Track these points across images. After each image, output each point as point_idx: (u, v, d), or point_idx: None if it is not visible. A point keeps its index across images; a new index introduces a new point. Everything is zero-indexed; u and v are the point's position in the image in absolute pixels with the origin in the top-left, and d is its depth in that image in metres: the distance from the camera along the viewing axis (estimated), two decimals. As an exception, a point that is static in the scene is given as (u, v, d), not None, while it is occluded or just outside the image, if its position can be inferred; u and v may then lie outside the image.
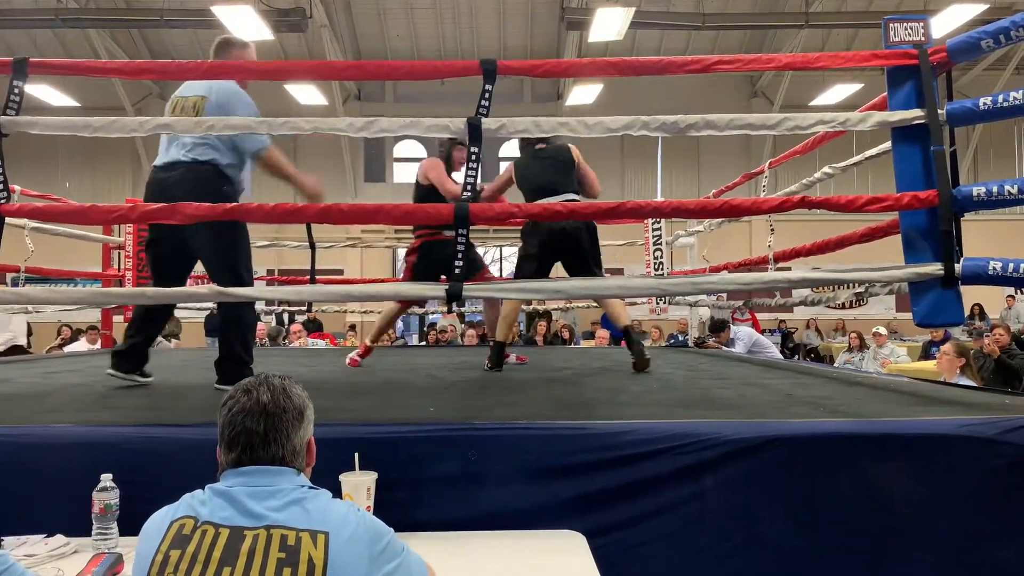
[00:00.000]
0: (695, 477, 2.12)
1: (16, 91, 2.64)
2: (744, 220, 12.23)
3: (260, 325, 9.44)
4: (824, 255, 3.93)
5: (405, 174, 15.97)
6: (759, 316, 10.98)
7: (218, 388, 3.06)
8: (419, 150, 15.69)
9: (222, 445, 1.36)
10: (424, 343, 10.40)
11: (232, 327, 3.11)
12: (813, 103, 14.04)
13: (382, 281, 8.31)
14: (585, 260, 3.99)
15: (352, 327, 12.81)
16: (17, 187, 3.75)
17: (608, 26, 10.22)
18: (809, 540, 2.10)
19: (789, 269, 4.71)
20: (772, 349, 6.88)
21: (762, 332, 8.91)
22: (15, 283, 5.44)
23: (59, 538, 1.96)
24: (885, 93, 2.85)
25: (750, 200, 2.64)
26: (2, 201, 2.57)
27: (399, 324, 14.84)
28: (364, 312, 10.90)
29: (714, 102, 13.89)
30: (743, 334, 6.63)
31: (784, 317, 14.89)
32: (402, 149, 15.86)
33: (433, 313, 13.16)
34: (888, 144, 2.95)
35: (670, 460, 2.11)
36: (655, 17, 12.42)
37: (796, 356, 13.18)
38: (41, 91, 12.65)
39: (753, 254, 6.00)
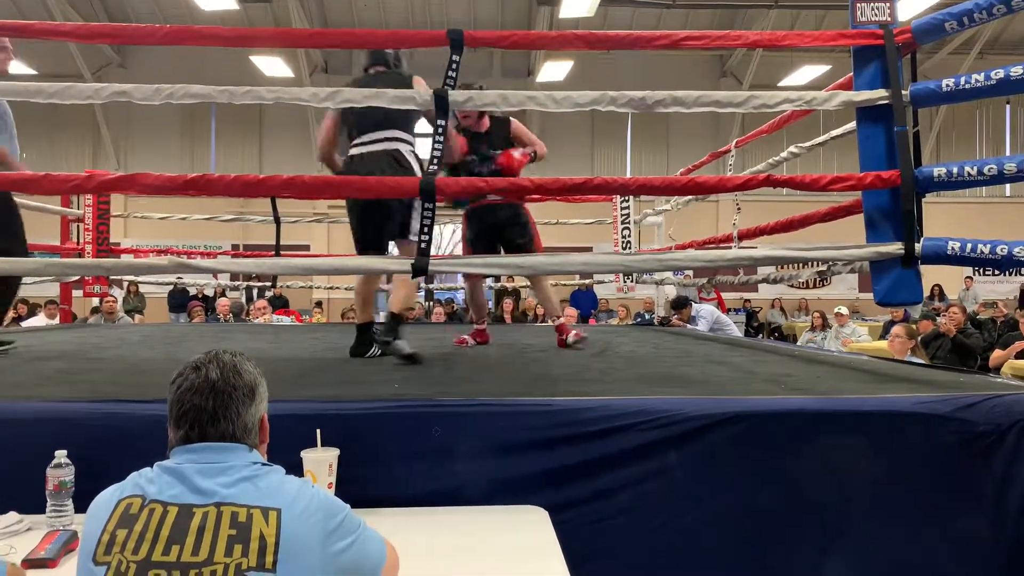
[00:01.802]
0: (657, 453, 2.13)
1: (-36, 55, 2.54)
2: (711, 200, 12.31)
3: (223, 301, 9.33)
4: (788, 234, 3.96)
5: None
6: (724, 295, 11.09)
7: None
8: (425, 126, 15.53)
9: (171, 422, 1.33)
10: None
11: None
12: (781, 84, 14.15)
13: (346, 256, 8.23)
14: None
15: (319, 304, 12.71)
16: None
17: (580, 2, 10.16)
18: (768, 515, 2.14)
19: (753, 248, 4.76)
20: (733, 328, 6.97)
21: (727, 311, 9.01)
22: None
23: (12, 515, 1.92)
24: (851, 74, 2.87)
25: (716, 178, 2.65)
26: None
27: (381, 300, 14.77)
28: (330, 288, 10.80)
29: (684, 82, 13.83)
30: (705, 312, 6.70)
31: (749, 296, 15.10)
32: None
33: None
34: (853, 124, 2.97)
35: (633, 436, 2.12)
36: (627, -6, 12.39)
37: (760, 335, 13.37)
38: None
39: (720, 233, 6.05)
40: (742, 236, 4.22)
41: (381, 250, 3.43)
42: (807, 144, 3.87)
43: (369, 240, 3.41)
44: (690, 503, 2.13)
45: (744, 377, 2.95)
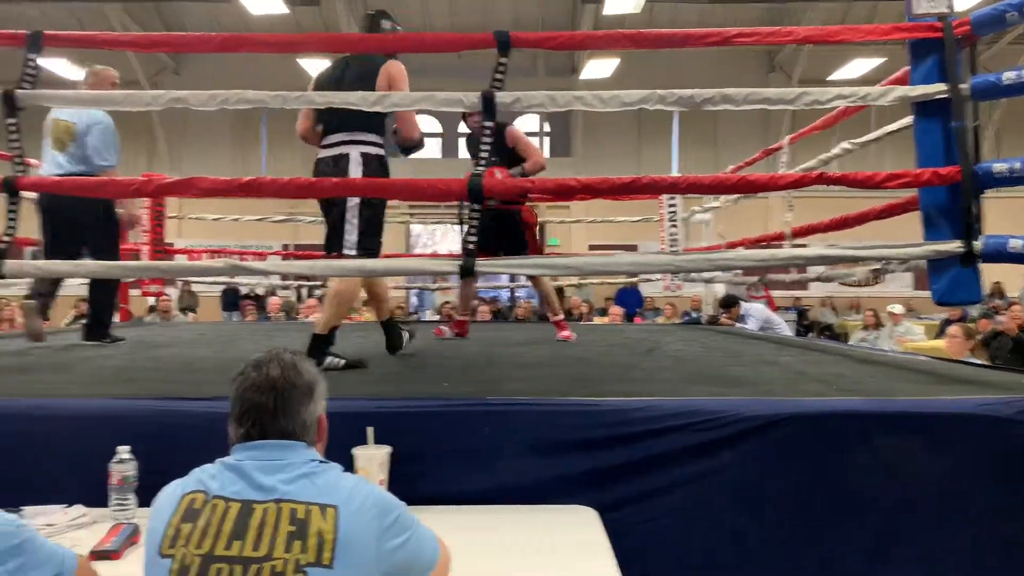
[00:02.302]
0: (707, 454, 2.11)
1: (31, 65, 2.64)
2: (761, 196, 12.12)
3: (274, 299, 9.52)
4: (841, 232, 3.89)
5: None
6: (773, 293, 10.92)
7: None
8: (436, 125, 15.64)
9: (232, 420, 1.37)
10: (438, 318, 10.43)
11: None
12: (832, 77, 13.85)
13: (396, 256, 8.32)
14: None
15: (366, 302, 12.86)
16: (34, 161, 3.76)
17: (625, -1, 10.10)
18: (819, 518, 2.11)
19: (805, 246, 4.68)
20: (784, 327, 6.84)
21: (776, 309, 8.86)
22: (34, 257, 5.48)
23: (78, 508, 1.99)
24: (907, 67, 2.80)
25: (767, 176, 2.61)
26: (19, 174, 2.59)
27: (413, 299, 14.88)
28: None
29: (732, 77, 13.69)
30: (755, 311, 6.58)
31: (799, 294, 14.81)
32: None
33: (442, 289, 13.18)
34: (908, 119, 2.90)
35: (683, 437, 2.11)
36: (673, -10, 12.25)
37: (810, 334, 13.12)
38: (58, 66, 12.67)
39: (770, 231, 5.96)
40: (795, 234, 4.15)
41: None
42: (860, 140, 3.79)
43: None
44: (740, 505, 2.11)
45: (795, 377, 2.90)
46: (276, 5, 10.60)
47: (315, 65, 12.55)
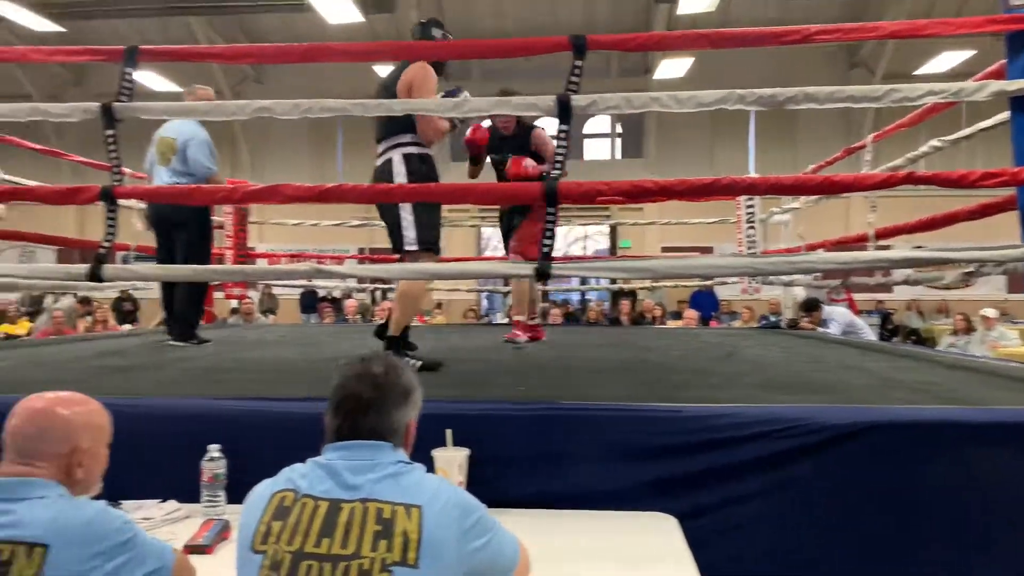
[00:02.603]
0: (791, 462, 2.06)
1: (128, 78, 2.77)
2: (842, 196, 11.75)
3: (351, 302, 9.72)
4: (928, 233, 3.74)
5: (491, 152, 16.00)
6: (856, 296, 10.56)
7: None
8: (508, 129, 15.69)
9: (330, 409, 1.41)
10: (507, 320, 10.46)
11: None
12: (918, 72, 13.30)
13: (468, 259, 8.40)
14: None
15: (439, 304, 13.01)
16: (127, 169, 3.95)
17: (699, -3, 9.94)
18: (907, 530, 2.03)
19: (889, 248, 4.51)
20: (867, 331, 6.59)
21: (859, 313, 8.56)
22: (125, 261, 5.74)
23: (172, 503, 2.08)
24: (1002, 60, 2.67)
25: (852, 176, 2.53)
26: (116, 183, 2.72)
27: (483, 302, 14.98)
28: (451, 290, 11.04)
29: (810, 73, 13.35)
30: (838, 315, 6.36)
31: (883, 297, 14.27)
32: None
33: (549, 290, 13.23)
34: (1004, 115, 2.77)
35: (765, 444, 2.06)
36: (748, -14, 11.99)
37: (896, 339, 12.64)
38: (146, 77, 13.25)
39: (851, 231, 5.76)
40: (879, 235, 4.01)
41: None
42: (951, 137, 3.63)
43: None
44: (824, 515, 2.05)
45: (882, 384, 2.80)
46: (352, 14, 10.83)
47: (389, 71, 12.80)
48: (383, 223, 3.23)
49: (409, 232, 3.12)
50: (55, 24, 11.95)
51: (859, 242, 4.79)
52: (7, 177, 4.58)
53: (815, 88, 2.52)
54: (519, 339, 4.30)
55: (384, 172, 3.18)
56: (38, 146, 5.59)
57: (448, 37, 3.51)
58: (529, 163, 4.02)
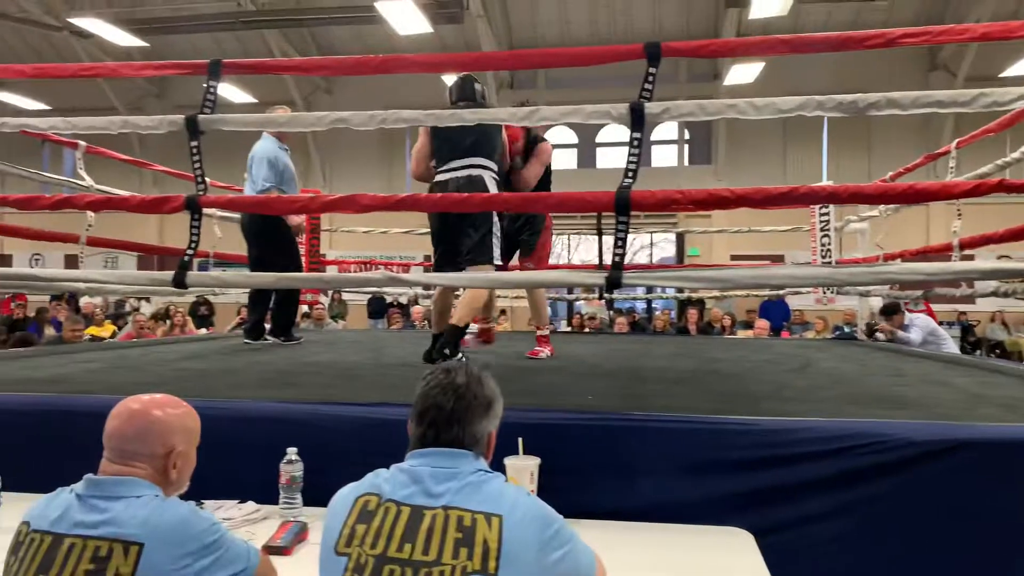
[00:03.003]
0: (874, 479, 2.00)
1: (211, 91, 2.87)
2: (922, 204, 11.33)
3: (418, 308, 9.84)
4: (1017, 242, 3.57)
5: (556, 161, 16.00)
6: (937, 307, 10.17)
7: None
8: (570, 136, 15.70)
9: (413, 418, 1.44)
10: (570, 329, 10.42)
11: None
12: (1004, 75, 12.76)
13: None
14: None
15: (503, 311, 13.05)
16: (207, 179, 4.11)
17: (771, 2, 9.74)
18: (998, 554, 1.94)
19: (972, 258, 4.32)
20: (950, 342, 6.33)
21: (939, 325, 8.25)
22: (203, 268, 5.95)
23: (251, 504, 2.14)
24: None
25: (939, 184, 2.43)
26: (201, 193, 2.81)
27: (548, 309, 14.96)
28: (515, 298, 11.06)
29: (888, 77, 12.93)
30: (920, 321, 6.13)
31: (965, 308, 13.70)
32: (552, 135, 15.85)
33: (577, 300, 13.19)
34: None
35: (845, 460, 2.00)
36: (822, -11, 11.69)
37: (979, 352, 12.12)
38: (224, 89, 13.70)
39: (931, 240, 5.56)
40: (963, 245, 3.85)
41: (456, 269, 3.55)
42: (1043, 142, 3.47)
43: (442, 261, 3.58)
44: (907, 535, 1.98)
45: (970, 400, 2.69)
46: (422, 25, 10.99)
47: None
48: (455, 232, 3.42)
49: (497, 249, 3.44)
50: (139, 39, 12.47)
51: (942, 252, 4.62)
52: (99, 187, 4.79)
53: (899, 93, 2.44)
54: (542, 354, 4.10)
55: (476, 188, 3.37)
56: (126, 157, 5.83)
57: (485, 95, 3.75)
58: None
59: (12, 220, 13.99)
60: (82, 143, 4.82)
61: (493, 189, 3.47)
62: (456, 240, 3.49)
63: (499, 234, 3.51)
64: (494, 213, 3.47)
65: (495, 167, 3.54)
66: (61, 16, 13.14)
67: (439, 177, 3.53)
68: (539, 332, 4.24)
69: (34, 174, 5.08)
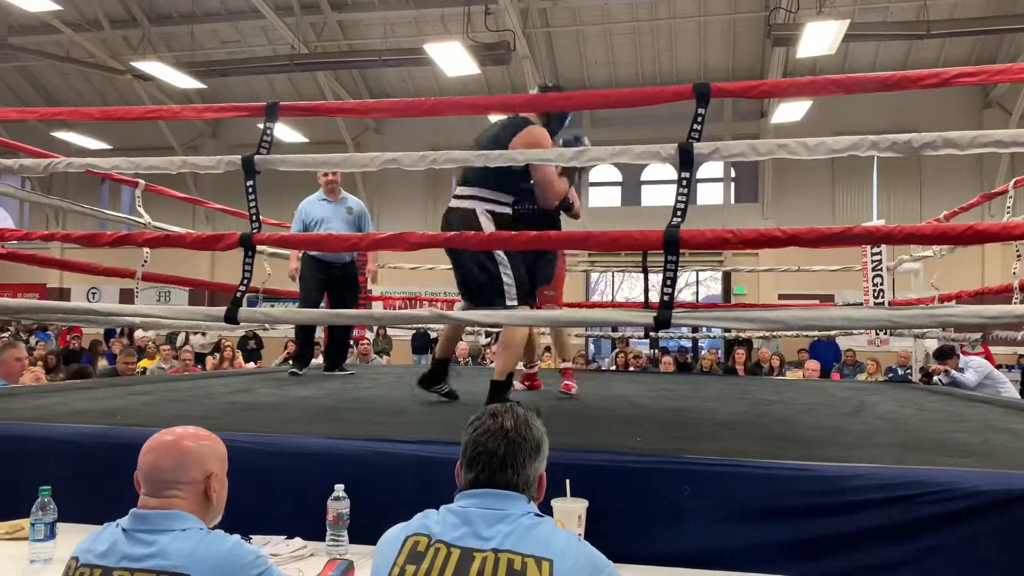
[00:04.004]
0: (936, 530, 1.92)
1: (268, 132, 2.95)
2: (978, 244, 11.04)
3: (462, 344, 9.87)
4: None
5: (600, 198, 16.04)
6: (996, 350, 9.83)
7: None
8: (614, 173, 15.73)
9: (463, 463, 1.43)
10: (615, 367, 10.31)
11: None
12: (1060, 112, 12.47)
13: (583, 306, 8.36)
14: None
15: (548, 348, 13.01)
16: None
17: (819, 41, 9.69)
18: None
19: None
20: (1009, 387, 6.13)
21: (997, 367, 7.98)
22: (252, 303, 6.05)
23: (298, 541, 2.14)
24: None
25: (999, 225, 2.37)
26: (255, 231, 2.88)
27: (591, 347, 14.87)
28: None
29: (937, 115, 12.74)
30: (976, 363, 5.98)
31: (1024, 351, 13.24)
32: (597, 173, 15.95)
33: (630, 338, 13.05)
34: None
35: (907, 509, 1.93)
36: (871, 28, 11.58)
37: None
38: (276, 129, 14.09)
39: (986, 281, 5.40)
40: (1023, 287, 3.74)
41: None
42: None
43: (465, 296, 3.36)
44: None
45: (1036, 448, 2.58)
46: (469, 66, 11.19)
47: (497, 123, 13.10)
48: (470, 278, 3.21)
49: (511, 288, 3.12)
50: (197, 81, 12.92)
51: (1000, 293, 4.49)
52: (157, 224, 4.94)
53: (956, 133, 2.39)
54: (573, 390, 3.98)
55: (463, 221, 3.15)
56: (182, 195, 6.01)
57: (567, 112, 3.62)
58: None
59: (71, 255, 14.50)
60: (141, 181, 4.98)
61: (485, 222, 3.16)
62: (466, 279, 3.26)
63: (511, 273, 3.15)
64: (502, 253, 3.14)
65: (492, 196, 3.21)
66: (125, 60, 13.71)
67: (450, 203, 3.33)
68: (563, 365, 4.17)
69: (95, 211, 5.26)
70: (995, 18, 12.04)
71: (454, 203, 3.28)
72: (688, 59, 14.26)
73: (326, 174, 5.06)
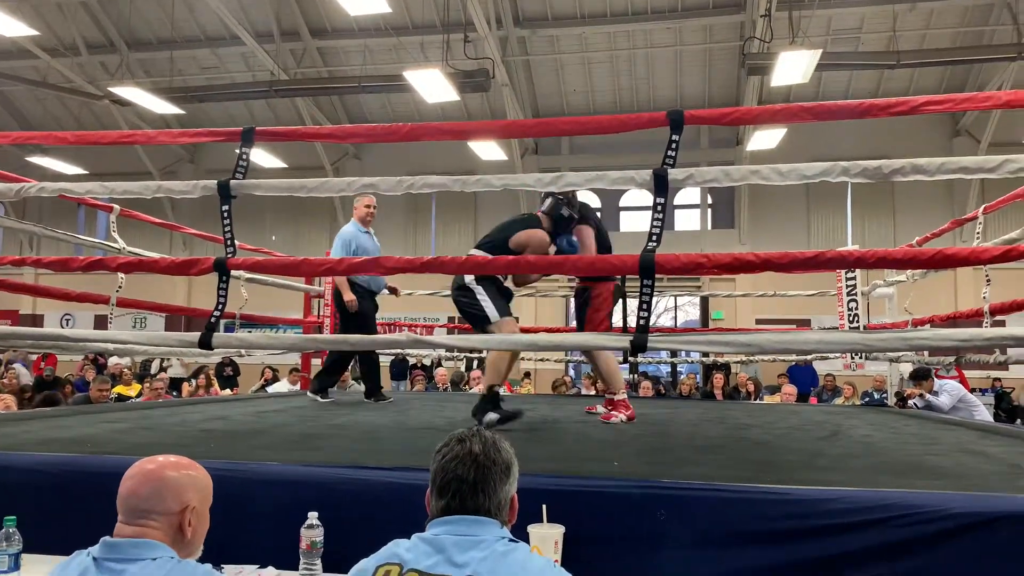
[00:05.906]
0: (909, 553, 1.92)
1: (244, 157, 2.94)
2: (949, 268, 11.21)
3: (441, 370, 9.81)
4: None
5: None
6: (969, 374, 9.95)
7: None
8: (594, 200, 15.82)
9: (433, 491, 1.41)
10: (594, 392, 10.29)
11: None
12: (1028, 140, 12.77)
13: (559, 330, 8.37)
14: None
15: (527, 374, 12.98)
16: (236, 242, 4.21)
17: (792, 70, 9.87)
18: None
19: (1003, 324, 4.26)
20: (982, 409, 6.21)
21: (971, 391, 8.07)
22: (229, 329, 5.99)
23: (271, 570, 2.10)
24: None
25: (967, 249, 2.41)
26: (230, 255, 2.86)
27: (571, 372, 14.86)
28: (539, 360, 11.02)
29: (910, 143, 13.00)
30: (950, 387, 6.07)
31: (998, 375, 13.41)
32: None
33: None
34: None
35: (881, 533, 1.93)
36: (844, 58, 11.84)
37: (1019, 420, 11.79)
38: (254, 154, 14.05)
39: (959, 306, 5.49)
40: (994, 311, 3.80)
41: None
42: (1073, 207, 3.44)
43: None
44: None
45: (1009, 471, 2.60)
46: (448, 93, 11.26)
47: (484, 148, 13.22)
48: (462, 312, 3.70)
49: (490, 309, 3.57)
50: (175, 107, 12.89)
51: (972, 317, 4.55)
52: (131, 249, 4.89)
53: (925, 160, 2.44)
54: (615, 418, 4.03)
55: (454, 282, 3.71)
56: (158, 220, 5.96)
57: (574, 216, 3.93)
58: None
59: (44, 280, 14.32)
60: (116, 206, 4.94)
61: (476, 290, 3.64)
62: (464, 316, 3.74)
63: (491, 296, 3.62)
64: (481, 282, 3.62)
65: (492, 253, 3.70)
66: (103, 86, 13.66)
67: None
68: (611, 395, 4.21)
69: (69, 236, 5.20)
70: (963, 48, 12.36)
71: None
72: (665, 87, 14.47)
73: (369, 204, 5.26)
